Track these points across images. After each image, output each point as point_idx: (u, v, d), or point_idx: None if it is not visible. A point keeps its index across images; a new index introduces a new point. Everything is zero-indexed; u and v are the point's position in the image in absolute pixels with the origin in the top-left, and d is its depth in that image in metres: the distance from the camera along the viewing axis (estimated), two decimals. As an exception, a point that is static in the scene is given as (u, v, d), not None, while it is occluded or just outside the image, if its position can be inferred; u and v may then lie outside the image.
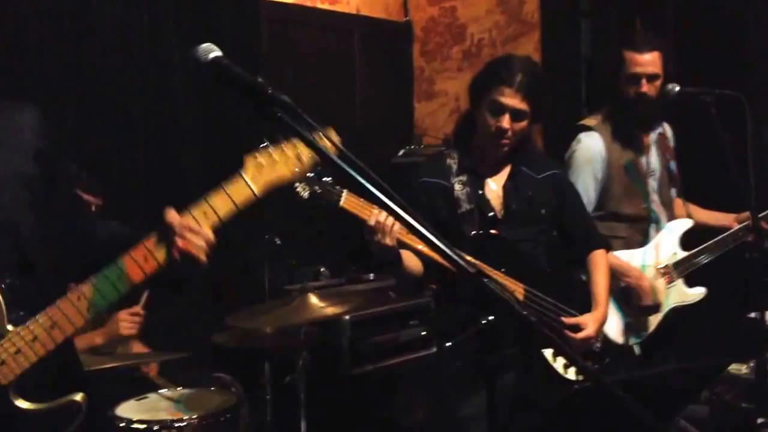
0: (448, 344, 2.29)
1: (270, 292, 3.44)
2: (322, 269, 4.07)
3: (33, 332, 1.60)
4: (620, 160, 3.20)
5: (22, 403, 1.60)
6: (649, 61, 3.11)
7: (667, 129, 3.35)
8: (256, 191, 1.73)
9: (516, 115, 2.62)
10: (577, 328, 2.69)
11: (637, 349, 3.09)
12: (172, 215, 1.68)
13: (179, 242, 1.66)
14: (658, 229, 3.25)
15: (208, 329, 3.35)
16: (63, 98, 3.49)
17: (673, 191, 3.34)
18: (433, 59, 5.08)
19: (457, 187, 2.69)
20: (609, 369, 2.84)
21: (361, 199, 2.33)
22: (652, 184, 3.26)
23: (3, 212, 1.65)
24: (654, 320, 3.15)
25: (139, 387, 3.00)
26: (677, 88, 3.10)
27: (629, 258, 3.16)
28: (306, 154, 1.77)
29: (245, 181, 1.72)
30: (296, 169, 1.78)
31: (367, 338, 3.70)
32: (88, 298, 1.64)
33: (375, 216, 2.35)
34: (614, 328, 3.07)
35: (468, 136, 2.77)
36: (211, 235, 1.70)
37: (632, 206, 3.21)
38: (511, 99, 2.60)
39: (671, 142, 3.36)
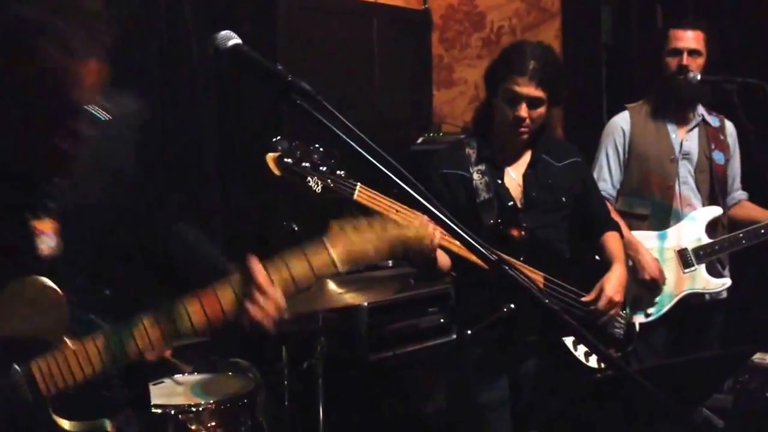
0: (468, 332, 2.29)
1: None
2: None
3: (87, 351, 1.50)
4: (645, 140, 3.25)
5: (58, 419, 1.51)
6: (691, 37, 3.20)
7: (727, 124, 3.39)
8: (340, 266, 1.57)
9: (532, 102, 2.61)
10: (596, 300, 2.68)
11: (636, 326, 3.07)
12: (258, 270, 1.55)
13: (252, 310, 1.55)
14: (684, 214, 3.25)
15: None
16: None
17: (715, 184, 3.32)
18: (452, 47, 5.06)
19: (476, 176, 2.69)
20: (632, 357, 2.83)
21: (375, 192, 2.32)
22: (687, 166, 3.28)
23: (92, 201, 1.56)
24: (661, 302, 3.18)
25: (157, 371, 3.03)
26: (699, 76, 3.10)
27: (643, 237, 3.21)
28: (406, 232, 1.59)
29: (327, 257, 1.57)
30: (391, 250, 1.60)
31: (386, 325, 3.71)
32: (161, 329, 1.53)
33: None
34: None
35: (487, 124, 2.77)
36: (283, 303, 1.56)
37: (655, 185, 3.25)
38: (526, 87, 2.59)
39: (728, 138, 3.37)
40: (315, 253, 1.57)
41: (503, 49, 2.83)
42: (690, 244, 3.22)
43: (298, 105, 1.29)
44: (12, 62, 1.35)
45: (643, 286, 3.18)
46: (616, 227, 2.93)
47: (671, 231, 3.23)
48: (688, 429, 1.88)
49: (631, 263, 3.14)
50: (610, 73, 4.59)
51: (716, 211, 3.28)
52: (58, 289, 1.48)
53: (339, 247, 1.57)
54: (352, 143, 1.30)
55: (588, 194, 2.87)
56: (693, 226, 3.24)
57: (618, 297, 2.71)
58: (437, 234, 2.30)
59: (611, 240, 2.86)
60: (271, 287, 1.55)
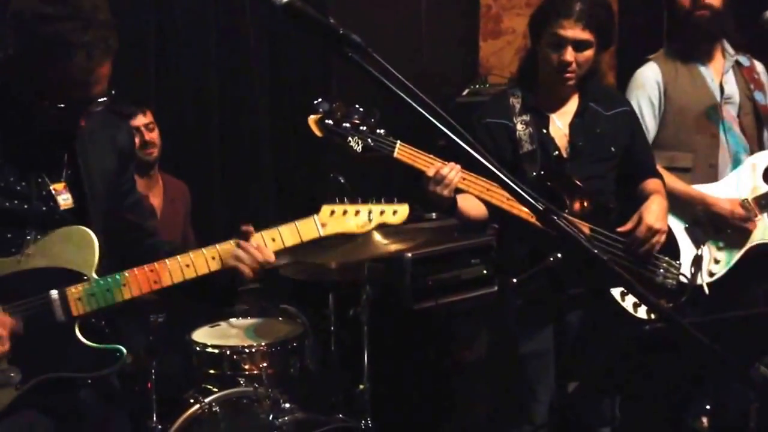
0: (514, 280, 2.31)
1: (335, 229, 3.51)
2: (385, 207, 4.13)
3: (109, 284, 1.85)
4: (683, 90, 3.10)
5: (81, 336, 1.84)
6: None
7: (756, 63, 3.22)
8: (321, 234, 2.00)
9: (578, 45, 2.56)
10: (635, 229, 2.62)
11: (705, 289, 2.96)
12: (249, 230, 1.94)
13: (240, 254, 1.92)
14: (736, 161, 3.11)
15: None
16: (143, 46, 3.61)
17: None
18: (501, -5, 4.98)
19: (520, 126, 2.66)
20: (684, 309, 2.75)
21: (415, 149, 2.35)
22: (730, 110, 3.13)
23: (100, 191, 1.93)
24: (726, 260, 3.02)
25: (213, 314, 3.15)
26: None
27: (714, 191, 3.04)
28: (376, 220, 2.06)
29: (316, 224, 2.00)
30: (363, 230, 2.05)
31: (429, 275, 3.75)
32: (163, 269, 1.89)
33: (436, 167, 2.36)
34: (686, 263, 2.91)
35: (532, 73, 2.72)
36: (272, 258, 1.95)
37: (699, 135, 3.10)
38: (572, 30, 2.54)
39: (762, 76, 3.21)
40: (304, 223, 1.99)
41: None
42: (749, 194, 3.04)
43: (350, 58, 1.31)
44: (50, 68, 1.71)
45: (730, 235, 2.98)
46: (659, 177, 2.87)
47: (727, 181, 3.06)
48: (744, 386, 1.82)
49: (692, 219, 2.99)
50: (670, 19, 4.43)
51: None
52: (93, 235, 1.86)
53: (325, 222, 2.00)
54: (401, 94, 1.32)
55: (635, 144, 2.81)
56: (750, 173, 3.07)
57: (659, 224, 2.62)
58: (455, 179, 2.34)
59: (651, 182, 2.80)
60: (263, 244, 1.94)
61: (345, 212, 2.02)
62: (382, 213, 2.07)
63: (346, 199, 2.03)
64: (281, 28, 3.88)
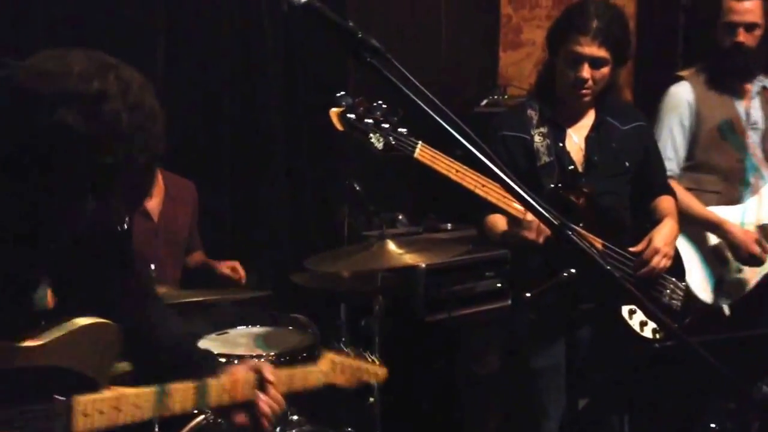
0: (528, 294, 2.28)
1: (348, 237, 3.49)
2: (399, 216, 4.11)
3: (119, 402, 1.58)
4: (712, 111, 3.10)
5: None
6: (748, 9, 2.99)
7: None
8: (320, 383, 1.98)
9: (595, 63, 2.55)
10: (643, 250, 2.61)
11: (726, 309, 2.99)
12: (271, 371, 1.81)
13: (263, 406, 1.77)
14: (759, 186, 3.12)
15: (287, 270, 3.43)
16: (152, 42, 3.56)
17: None
18: (521, 7, 4.95)
19: (537, 139, 2.66)
20: (691, 329, 2.76)
21: (436, 151, 2.31)
22: (753, 137, 3.13)
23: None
24: (751, 280, 3.03)
25: (220, 322, 3.12)
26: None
27: (725, 214, 3.05)
28: (363, 377, 2.10)
29: (320, 375, 1.98)
30: (354, 384, 2.08)
31: (442, 287, 3.72)
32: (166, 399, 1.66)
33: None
34: (703, 287, 2.99)
35: (549, 86, 2.72)
36: (283, 406, 1.81)
37: (725, 159, 3.11)
38: (588, 47, 2.53)
39: None
40: (310, 371, 1.96)
41: (565, 8, 2.76)
42: None
43: (368, 62, 1.29)
44: (108, 161, 1.40)
45: (744, 263, 3.01)
46: (672, 194, 2.86)
47: (748, 205, 3.10)
48: (745, 404, 1.84)
49: (712, 243, 3.01)
50: (687, 37, 4.42)
51: None
52: (122, 339, 1.59)
53: (327, 372, 1.99)
54: (419, 102, 1.29)
55: (649, 160, 2.81)
56: None
57: (667, 249, 2.61)
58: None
59: (665, 201, 2.80)
60: (277, 393, 1.80)
61: (342, 369, 2.05)
62: (367, 372, 2.14)
63: (343, 346, 2.16)
64: (297, 26, 3.82)
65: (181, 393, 1.66)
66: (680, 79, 3.15)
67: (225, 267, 3.31)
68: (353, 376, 2.07)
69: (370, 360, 2.17)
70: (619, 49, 2.58)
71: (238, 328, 3.10)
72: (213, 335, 3.03)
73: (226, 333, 3.07)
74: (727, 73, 3.10)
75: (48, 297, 1.61)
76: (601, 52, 2.54)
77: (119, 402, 1.57)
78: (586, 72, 2.55)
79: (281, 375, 1.84)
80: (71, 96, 1.35)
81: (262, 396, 1.77)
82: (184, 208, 3.34)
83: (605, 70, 2.58)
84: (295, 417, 2.72)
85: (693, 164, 3.12)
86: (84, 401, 1.51)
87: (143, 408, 1.60)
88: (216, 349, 2.88)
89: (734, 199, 3.11)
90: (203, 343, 2.95)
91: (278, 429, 2.67)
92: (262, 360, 2.82)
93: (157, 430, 2.66)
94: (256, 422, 1.77)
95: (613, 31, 2.55)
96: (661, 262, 2.61)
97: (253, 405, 1.76)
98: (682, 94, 3.11)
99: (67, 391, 1.51)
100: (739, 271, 3.03)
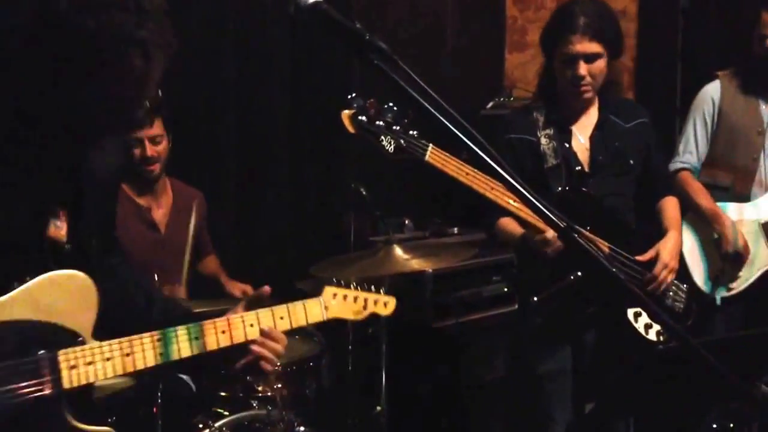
0: (535, 298, 2.27)
1: (354, 243, 3.47)
2: (406, 221, 4.09)
3: (111, 351, 1.57)
4: (735, 111, 3.20)
5: (68, 416, 1.54)
6: None
7: None
8: (325, 317, 1.91)
9: (589, 58, 2.58)
10: (652, 265, 2.64)
11: (718, 300, 3.09)
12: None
13: (258, 349, 1.75)
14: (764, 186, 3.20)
15: (292, 277, 3.41)
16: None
17: None
18: (526, 8, 4.94)
19: (544, 141, 2.67)
20: (692, 330, 2.79)
21: (446, 154, 2.30)
22: None
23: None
24: (745, 276, 3.12)
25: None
26: None
27: (724, 207, 3.17)
28: (370, 309, 2.01)
29: (321, 306, 1.90)
30: (358, 317, 1.99)
31: (450, 292, 3.70)
32: (162, 346, 1.65)
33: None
34: (701, 276, 3.10)
35: (551, 88, 2.73)
36: (284, 346, 1.79)
37: (740, 157, 3.21)
38: (580, 44, 2.56)
39: None
40: (311, 304, 1.88)
41: (552, 12, 2.80)
42: None
43: (375, 64, 1.27)
44: (104, 67, 1.45)
45: (726, 260, 3.13)
46: (675, 193, 2.92)
47: (756, 203, 3.19)
48: (747, 404, 1.83)
49: (715, 236, 3.12)
50: (686, 39, 4.43)
51: None
52: (96, 289, 1.55)
53: (329, 305, 1.91)
54: (425, 104, 1.28)
55: (651, 157, 2.83)
56: None
57: (674, 263, 2.67)
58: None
59: (670, 205, 2.84)
60: (276, 331, 1.78)
61: (345, 297, 1.97)
62: (375, 303, 2.04)
63: (342, 282, 1.99)
64: (303, 30, 3.80)
65: (179, 335, 1.65)
66: (715, 78, 3.29)
67: (236, 289, 3.27)
68: (359, 306, 1.98)
69: (375, 290, 2.05)
70: (611, 41, 2.60)
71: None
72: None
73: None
74: (757, 79, 3.21)
75: (63, 230, 1.57)
76: (593, 47, 2.56)
77: (107, 351, 1.55)
78: (582, 69, 2.58)
79: (280, 312, 1.81)
80: None
81: (259, 338, 1.75)
82: (190, 218, 3.23)
83: (601, 63, 2.60)
84: (302, 428, 2.68)
85: (710, 160, 3.25)
86: (68, 353, 1.49)
87: (136, 356, 1.58)
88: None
89: (744, 197, 3.21)
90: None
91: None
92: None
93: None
94: (256, 364, 1.76)
95: (601, 24, 2.58)
96: (668, 277, 2.66)
97: (253, 345, 1.75)
98: (709, 92, 3.27)
99: (52, 346, 1.48)
100: (734, 266, 3.12)
